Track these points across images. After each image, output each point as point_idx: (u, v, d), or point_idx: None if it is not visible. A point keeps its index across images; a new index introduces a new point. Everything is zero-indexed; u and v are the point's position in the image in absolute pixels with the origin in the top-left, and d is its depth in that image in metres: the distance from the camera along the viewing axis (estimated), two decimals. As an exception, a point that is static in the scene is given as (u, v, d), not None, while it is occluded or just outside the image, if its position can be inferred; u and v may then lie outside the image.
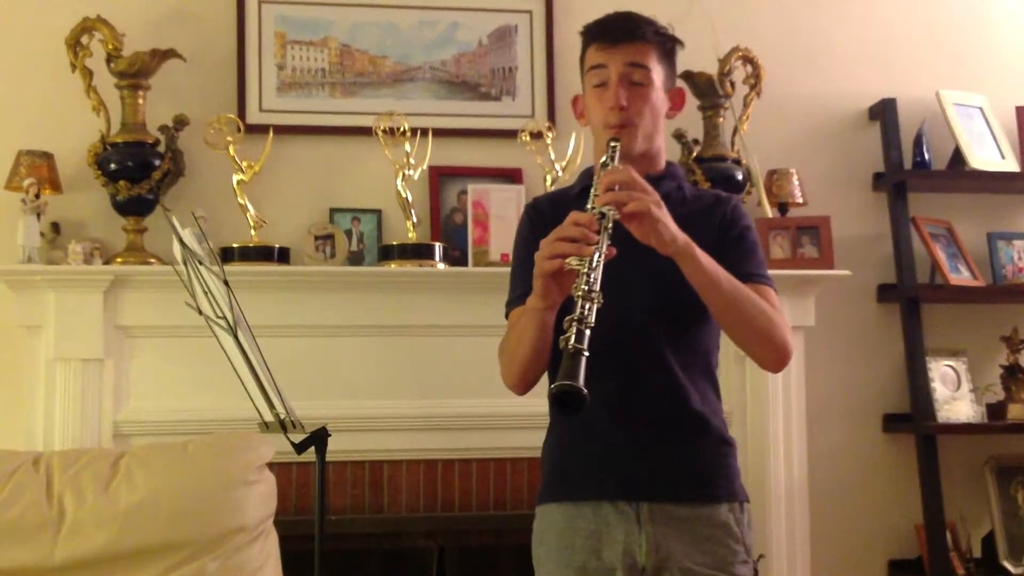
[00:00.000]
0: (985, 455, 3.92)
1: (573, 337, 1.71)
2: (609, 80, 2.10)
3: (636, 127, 2.10)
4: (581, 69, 2.20)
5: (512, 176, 3.79)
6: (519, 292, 2.11)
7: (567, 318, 1.75)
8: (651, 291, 2.00)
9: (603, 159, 2.03)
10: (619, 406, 2.02)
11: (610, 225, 1.85)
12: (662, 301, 2.02)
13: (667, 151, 3.78)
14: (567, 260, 1.81)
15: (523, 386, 2.09)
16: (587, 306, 1.75)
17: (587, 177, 2.21)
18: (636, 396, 2.02)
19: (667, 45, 2.16)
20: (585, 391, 1.66)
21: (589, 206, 1.91)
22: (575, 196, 2.18)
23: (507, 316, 2.17)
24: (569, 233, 1.84)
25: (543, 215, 2.18)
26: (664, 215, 1.89)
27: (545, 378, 2.08)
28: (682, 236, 1.91)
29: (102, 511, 2.90)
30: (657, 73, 2.12)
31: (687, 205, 2.13)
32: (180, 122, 3.53)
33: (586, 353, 1.69)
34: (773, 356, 2.07)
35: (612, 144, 2.05)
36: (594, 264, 1.80)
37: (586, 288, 1.76)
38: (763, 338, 2.03)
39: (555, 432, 2.17)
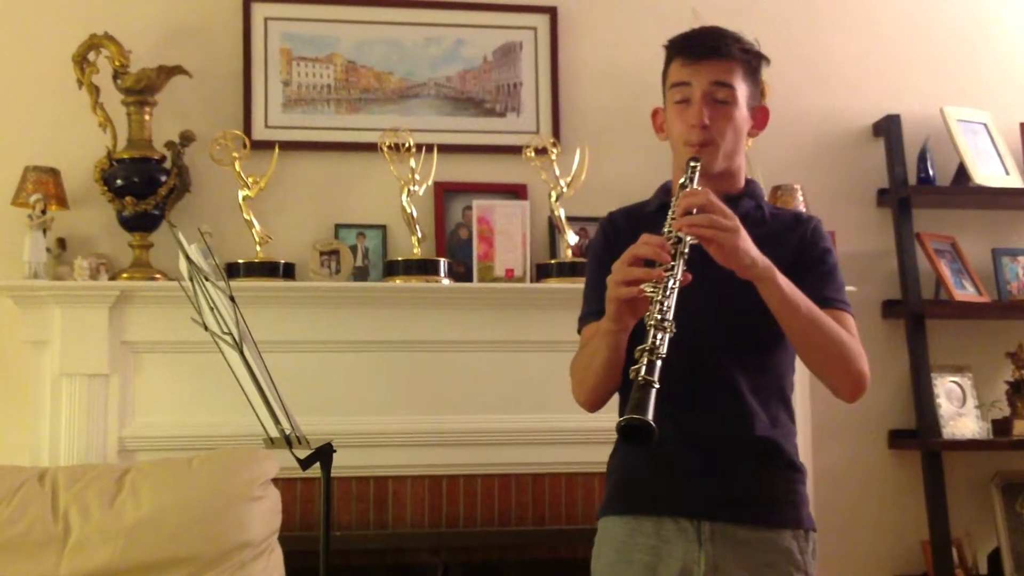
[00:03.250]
0: (991, 471, 3.91)
1: (644, 368, 1.69)
2: (692, 97, 2.05)
3: (717, 146, 2.05)
4: (663, 83, 2.15)
5: (517, 192, 3.79)
6: (591, 309, 2.08)
7: (638, 348, 1.72)
8: (723, 313, 1.96)
9: (682, 180, 1.99)
10: (686, 426, 1.97)
11: (686, 250, 1.82)
12: (733, 323, 1.98)
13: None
14: (642, 287, 1.78)
15: (594, 404, 2.06)
16: (659, 336, 1.73)
17: (664, 193, 2.17)
18: (703, 418, 1.99)
19: (752, 62, 2.11)
20: (654, 425, 1.64)
21: (666, 229, 1.88)
22: (653, 212, 2.14)
23: (579, 331, 2.13)
24: (643, 254, 1.81)
25: (619, 231, 2.14)
26: (743, 240, 1.85)
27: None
28: (762, 259, 1.88)
29: (107, 527, 2.91)
30: (741, 91, 2.07)
31: (766, 225, 2.09)
32: (186, 138, 3.55)
33: (656, 385, 1.68)
34: (848, 385, 2.03)
35: (692, 164, 2.00)
36: (668, 292, 1.77)
37: (659, 317, 1.74)
38: (838, 366, 1.99)
39: (622, 447, 2.12)
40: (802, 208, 3.80)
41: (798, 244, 2.09)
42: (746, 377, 2.01)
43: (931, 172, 3.96)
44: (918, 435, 3.84)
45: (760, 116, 2.16)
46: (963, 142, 3.94)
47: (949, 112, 3.97)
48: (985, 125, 4.04)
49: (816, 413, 3.72)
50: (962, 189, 3.97)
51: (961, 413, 3.87)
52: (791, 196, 3.81)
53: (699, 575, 1.95)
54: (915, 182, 3.96)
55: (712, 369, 2.00)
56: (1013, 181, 3.99)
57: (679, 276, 1.79)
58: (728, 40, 2.09)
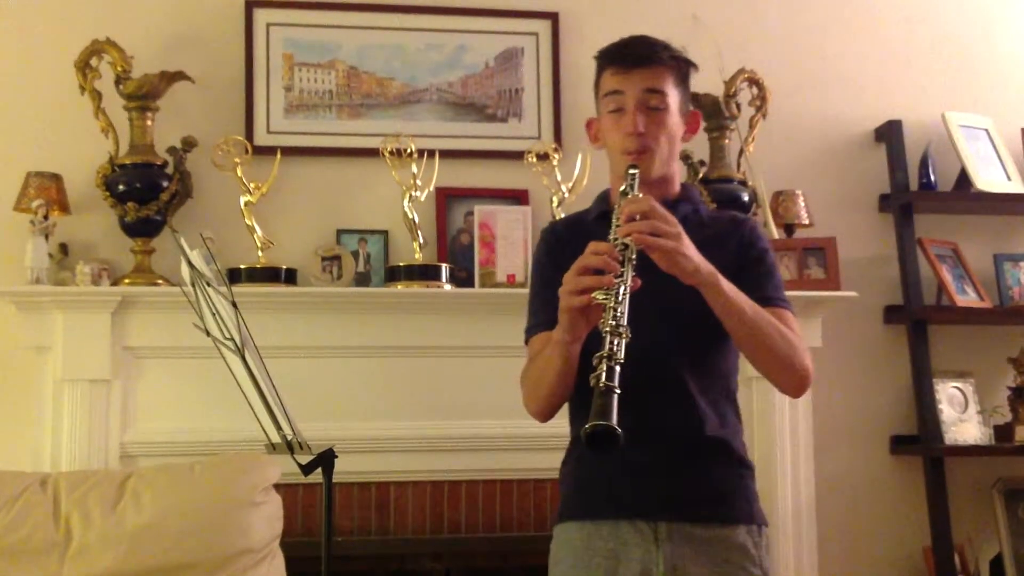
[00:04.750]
0: (993, 477, 3.90)
1: (604, 375, 1.72)
2: (626, 106, 2.09)
3: (653, 152, 2.08)
4: (596, 93, 2.19)
5: (519, 197, 3.80)
6: (538, 319, 2.11)
7: (596, 355, 1.75)
8: (670, 317, 1.99)
9: (623, 187, 2.02)
10: (638, 429, 1.98)
11: (634, 256, 1.86)
12: (681, 327, 2.01)
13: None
14: (593, 294, 1.81)
15: (546, 414, 2.09)
16: (615, 342, 1.76)
17: (603, 201, 2.21)
18: (655, 420, 2.01)
19: (683, 68, 2.15)
20: (619, 430, 1.67)
21: (611, 237, 1.91)
22: (593, 220, 2.18)
23: (527, 342, 2.16)
24: (592, 264, 1.84)
25: (561, 240, 2.17)
26: (686, 246, 1.89)
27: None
28: (705, 266, 1.91)
29: (109, 532, 2.91)
30: (673, 97, 2.11)
31: (704, 228, 2.11)
32: (188, 144, 3.55)
33: (618, 391, 1.71)
34: (793, 382, 2.07)
35: (631, 172, 2.04)
36: (620, 298, 1.80)
37: (614, 323, 1.77)
38: (784, 365, 2.03)
39: (575, 453, 2.16)
40: (804, 215, 3.81)
41: (737, 246, 2.12)
42: (695, 379, 2.05)
43: (933, 178, 3.96)
44: (920, 441, 3.84)
45: (692, 121, 2.20)
46: (965, 147, 3.95)
47: (950, 118, 3.97)
48: (987, 131, 4.04)
49: (818, 419, 3.73)
50: (964, 195, 3.97)
51: (963, 419, 3.86)
52: (792, 202, 3.81)
53: (658, 575, 1.98)
54: (917, 188, 3.96)
55: (662, 372, 2.03)
56: (1015, 187, 3.98)
57: (629, 282, 1.83)
58: (657, 48, 2.13)
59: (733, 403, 2.14)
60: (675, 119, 2.12)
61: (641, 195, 1.98)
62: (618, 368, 1.73)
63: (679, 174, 2.21)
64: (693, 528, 2.00)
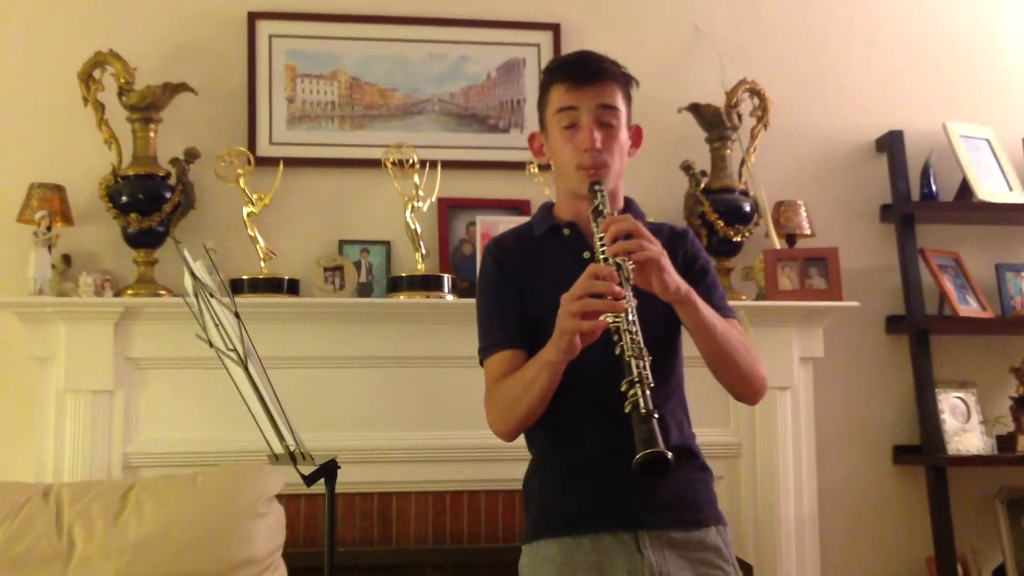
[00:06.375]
0: (995, 487, 3.90)
1: (641, 401, 1.75)
2: (580, 122, 2.09)
3: (609, 168, 2.10)
4: (543, 109, 2.19)
5: (520, 208, 3.80)
6: (496, 338, 2.11)
7: (626, 380, 1.78)
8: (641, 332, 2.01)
9: (596, 203, 2.03)
10: (610, 441, 2.00)
11: (630, 276, 1.88)
12: (645, 337, 2.00)
13: (675, 182, 3.83)
14: (603, 317, 1.83)
15: (516, 434, 2.10)
16: (641, 364, 1.80)
17: (549, 216, 2.21)
18: (626, 431, 2.01)
19: (628, 84, 2.17)
20: (670, 455, 1.70)
21: (600, 257, 1.93)
22: (542, 236, 2.18)
23: (483, 363, 2.14)
24: (597, 288, 1.85)
25: (510, 256, 2.17)
26: (668, 263, 1.92)
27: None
28: (684, 284, 1.94)
29: (111, 543, 2.90)
30: (623, 113, 2.13)
31: None
32: (191, 155, 3.56)
33: (656, 415, 1.74)
34: (752, 392, 2.12)
35: (598, 188, 2.05)
36: (632, 319, 1.83)
37: (634, 347, 1.80)
38: (746, 377, 2.08)
39: (544, 470, 2.15)
40: (806, 225, 3.81)
41: (683, 258, 2.15)
42: (658, 388, 2.03)
43: (934, 188, 3.97)
44: (923, 451, 3.84)
45: (636, 136, 2.21)
46: (966, 158, 3.95)
47: (952, 128, 3.98)
48: (988, 141, 4.04)
49: (820, 429, 3.73)
50: (965, 205, 3.97)
51: (965, 429, 3.86)
52: (794, 212, 3.82)
53: None
54: (918, 198, 3.97)
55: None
56: (1016, 197, 3.99)
57: (633, 303, 1.86)
58: (607, 63, 2.14)
59: (686, 410, 2.18)
60: (624, 134, 2.14)
61: (622, 214, 2.01)
62: (649, 392, 1.77)
63: (623, 188, 2.21)
64: (673, 534, 2.04)
